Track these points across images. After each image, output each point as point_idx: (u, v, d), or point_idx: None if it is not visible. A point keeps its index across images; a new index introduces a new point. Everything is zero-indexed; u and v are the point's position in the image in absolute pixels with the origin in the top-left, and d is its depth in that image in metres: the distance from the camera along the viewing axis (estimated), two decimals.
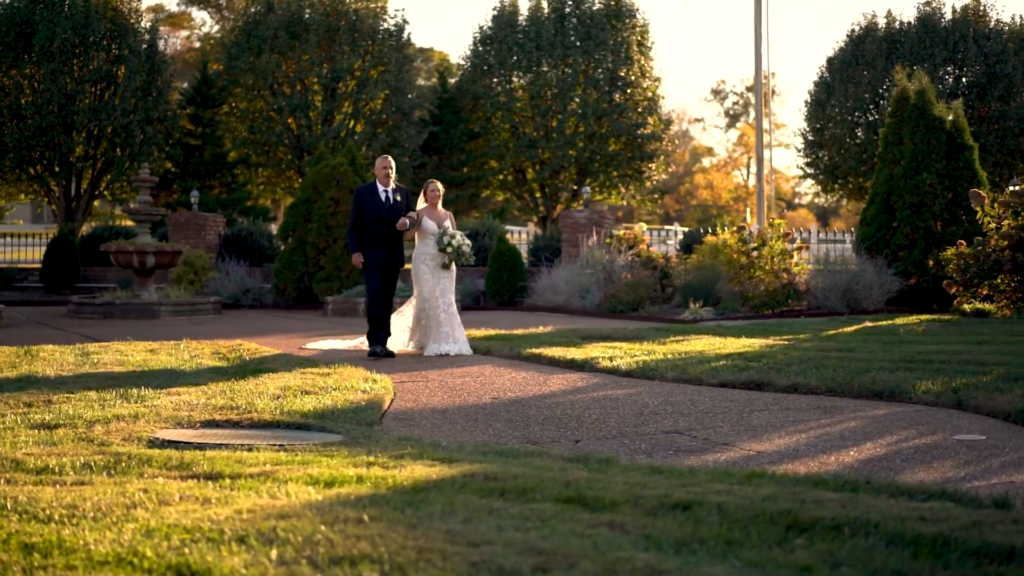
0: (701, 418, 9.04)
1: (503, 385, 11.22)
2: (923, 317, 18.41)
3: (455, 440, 7.99)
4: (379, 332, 13.90)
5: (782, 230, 21.54)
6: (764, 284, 20.84)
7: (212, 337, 16.74)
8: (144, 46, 36.42)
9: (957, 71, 38.00)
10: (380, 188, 14.04)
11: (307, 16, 37.24)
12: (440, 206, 14.60)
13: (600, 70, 38.97)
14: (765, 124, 31.19)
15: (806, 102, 41.90)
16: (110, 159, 35.60)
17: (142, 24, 36.88)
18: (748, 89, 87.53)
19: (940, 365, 11.57)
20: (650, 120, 40.07)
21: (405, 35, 39.34)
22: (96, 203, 39.21)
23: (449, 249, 14.05)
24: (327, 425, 8.16)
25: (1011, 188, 19.26)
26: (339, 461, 6.53)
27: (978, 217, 19.37)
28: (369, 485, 5.67)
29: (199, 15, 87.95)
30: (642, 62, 40.53)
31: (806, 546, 4.48)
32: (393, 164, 14.19)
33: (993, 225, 19.14)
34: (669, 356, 12.94)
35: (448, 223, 14.38)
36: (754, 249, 21.17)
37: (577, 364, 12.49)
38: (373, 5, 38.68)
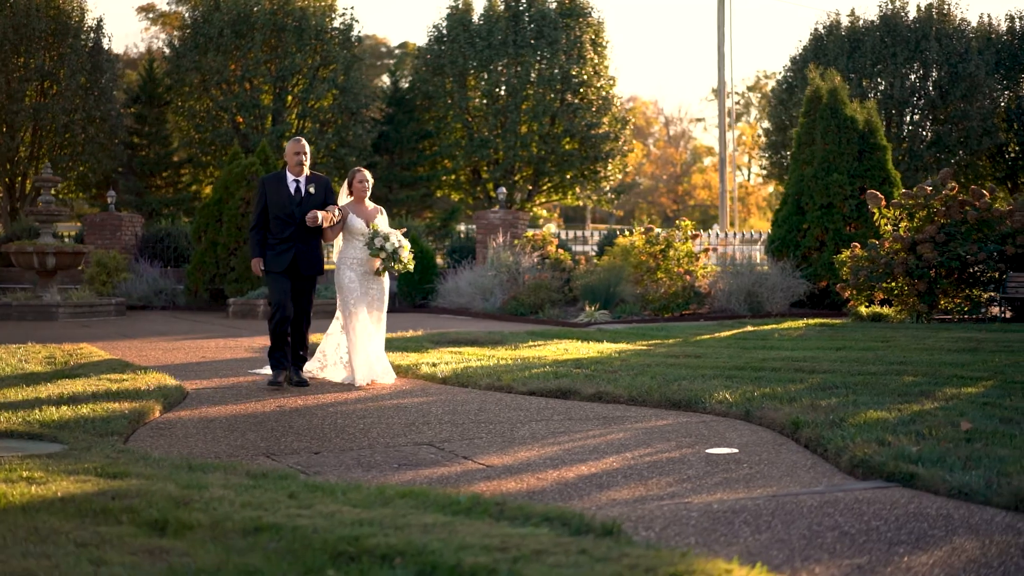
0: (470, 429, 8.81)
1: (299, 391, 10.96)
2: (813, 321, 18.12)
3: (187, 452, 7.77)
4: (280, 353, 11.31)
5: (689, 231, 21.23)
6: (665, 287, 20.53)
7: (95, 339, 16.49)
8: (88, 45, 36.09)
9: (920, 70, 37.64)
10: (290, 177, 11.33)
11: (254, 15, 36.89)
12: (369, 200, 11.83)
13: (553, 70, 38.62)
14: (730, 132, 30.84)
15: (769, 102, 41.60)
16: (53, 159, 35.25)
17: (86, 23, 36.50)
18: (749, 89, 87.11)
19: (769, 373, 11.36)
20: (604, 120, 39.70)
21: (354, 34, 38.98)
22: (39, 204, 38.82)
23: (383, 254, 11.32)
24: (60, 436, 7.89)
25: (918, 188, 18.89)
26: None
27: (875, 219, 19.06)
28: None
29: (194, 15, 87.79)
30: (596, 61, 40.19)
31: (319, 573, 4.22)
32: (307, 150, 11.49)
33: (889, 228, 18.84)
34: (505, 362, 12.67)
35: (381, 221, 11.62)
36: (661, 251, 20.86)
37: (401, 370, 12.21)
38: (321, 3, 38.34)
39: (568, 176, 40.14)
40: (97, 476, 6.26)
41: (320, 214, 11.21)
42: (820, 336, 15.55)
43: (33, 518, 5.11)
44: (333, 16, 38.74)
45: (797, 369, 11.56)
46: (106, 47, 37.26)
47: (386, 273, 11.60)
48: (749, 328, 17.16)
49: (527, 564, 4.34)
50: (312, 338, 12.60)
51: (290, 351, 11.44)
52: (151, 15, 69.00)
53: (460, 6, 39.94)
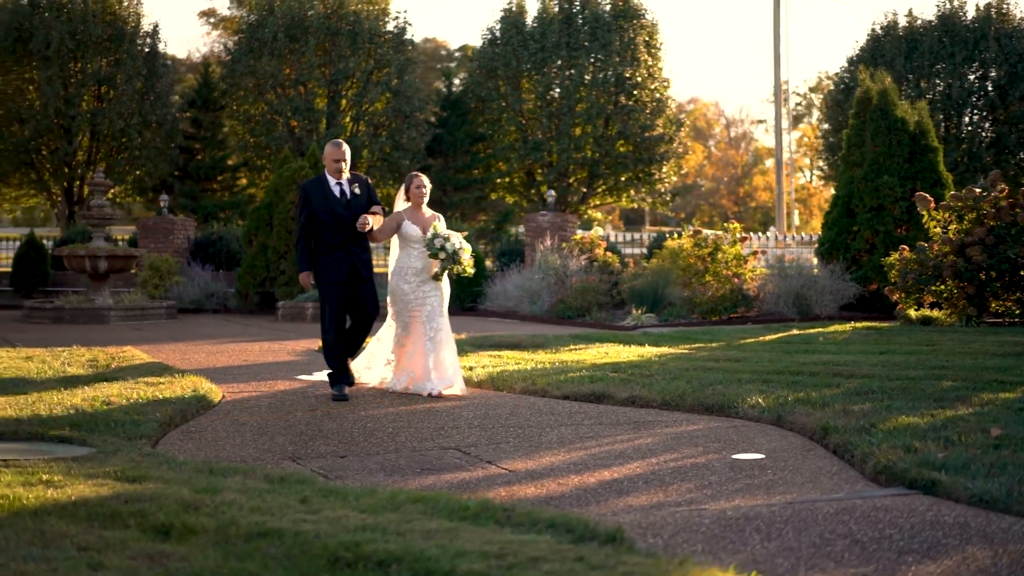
0: (498, 433, 8.82)
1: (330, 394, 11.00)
2: (860, 325, 17.93)
3: (214, 456, 7.82)
4: (339, 367, 10.97)
5: (738, 234, 21.10)
6: (712, 290, 20.43)
7: (143, 342, 16.67)
8: (144, 50, 36.47)
9: (979, 71, 37.16)
10: (332, 181, 10.91)
11: (307, 19, 37.09)
12: (427, 207, 11.41)
13: (607, 72, 38.51)
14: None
15: (826, 103, 41.29)
16: (110, 163, 35.68)
17: (142, 28, 36.88)
18: (811, 90, 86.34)
19: (806, 377, 11.25)
20: (659, 122, 39.53)
21: (407, 37, 39.10)
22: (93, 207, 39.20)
23: (443, 255, 10.88)
24: (89, 439, 7.97)
25: (967, 190, 18.66)
26: (19, 478, 6.35)
27: (924, 221, 18.86)
28: None
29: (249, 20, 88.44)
30: (650, 63, 40.03)
31: None
32: (348, 156, 11.07)
33: (939, 230, 18.62)
34: (542, 366, 12.66)
35: (439, 227, 11.15)
36: (709, 254, 20.76)
37: None
38: (373, 7, 38.46)
39: (622, 178, 40.01)
40: (115, 480, 6.31)
41: (370, 219, 10.77)
42: (865, 340, 15.40)
43: (42, 522, 5.16)
44: (386, 19, 38.84)
45: (835, 374, 11.44)
46: (162, 52, 37.62)
47: (445, 278, 11.12)
48: (794, 332, 17.01)
49: (522, 571, 4.33)
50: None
51: (343, 366, 11.01)
52: (212, 20, 69.68)
53: (513, 8, 39.92)
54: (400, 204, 11.41)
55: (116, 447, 7.67)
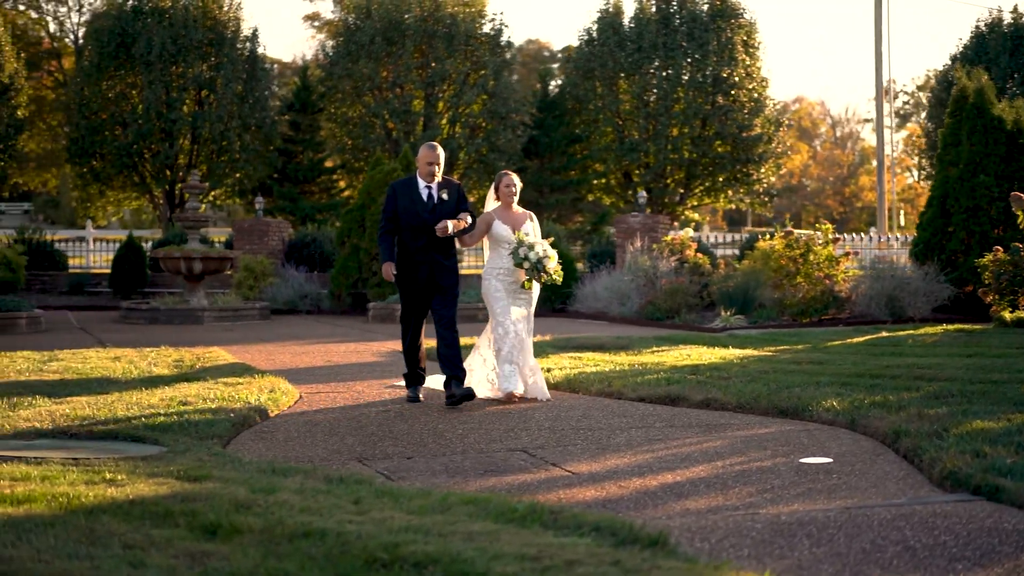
0: (567, 435, 8.82)
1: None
2: (952, 327, 17.60)
3: (283, 456, 7.91)
4: (415, 372, 10.89)
5: (830, 235, 20.85)
6: (803, 291, 20.20)
7: (232, 343, 16.91)
8: (244, 54, 37.01)
9: None
10: (422, 183, 10.61)
11: (405, 21, 37.33)
12: (517, 205, 11.13)
13: (704, 72, 38.27)
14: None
15: (930, 101, 40.65)
16: (210, 166, 36.30)
17: (242, 32, 37.42)
18: (919, 88, 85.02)
19: (887, 380, 11.10)
20: (756, 122, 39.19)
21: (504, 39, 39.22)
22: (202, 209, 39.88)
23: (526, 264, 10.60)
24: (162, 439, 8.11)
25: None
26: (83, 476, 6.48)
27: (1019, 221, 18.46)
28: (53, 505, 5.61)
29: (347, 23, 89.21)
30: (747, 63, 39.70)
31: None
32: (441, 159, 10.74)
33: None
34: (621, 367, 12.62)
35: (529, 228, 10.96)
36: (800, 255, 20.53)
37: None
38: (470, 9, 38.63)
39: (720, 179, 39.76)
40: (177, 479, 6.41)
41: (450, 223, 10.41)
42: (954, 343, 15.13)
43: (95, 520, 5.26)
44: (482, 22, 38.98)
45: (917, 377, 11.26)
46: (263, 55, 38.14)
47: (534, 284, 10.85)
48: (883, 334, 16.75)
49: (556, 574, 4.33)
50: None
51: (417, 370, 10.87)
52: (316, 23, 70.41)
53: (611, 9, 39.84)
54: (491, 204, 11.12)
55: (186, 447, 7.79)
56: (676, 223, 39.57)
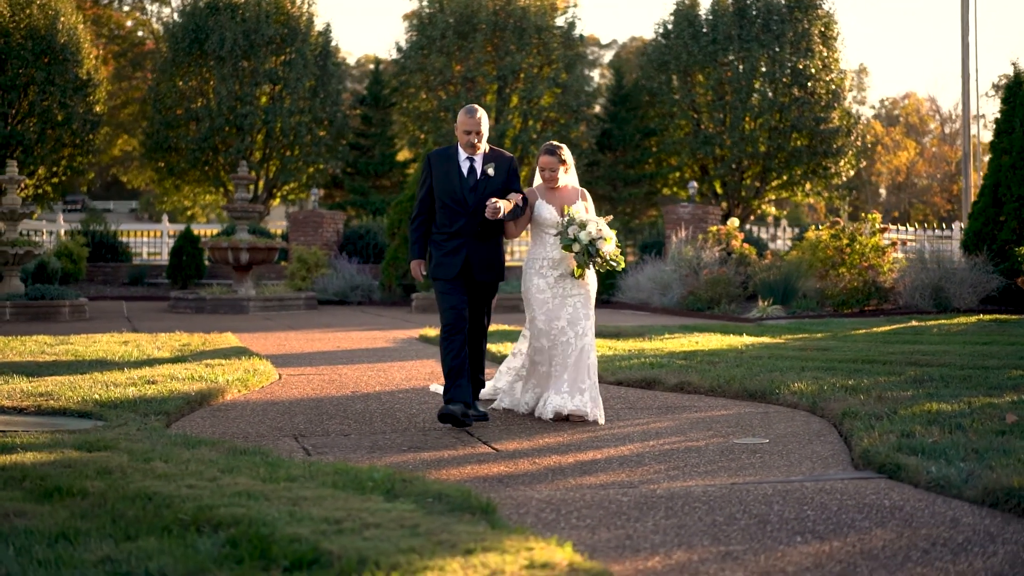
0: (519, 418, 8.85)
1: (391, 379, 11.06)
2: (988, 317, 17.21)
3: (221, 432, 7.94)
4: (457, 382, 8.34)
5: (876, 225, 20.47)
6: (845, 281, 19.84)
7: (257, 330, 17.02)
8: (317, 50, 37.29)
9: None
10: (462, 155, 8.69)
11: (476, 14, 37.39)
12: (569, 180, 8.98)
13: (783, 63, 37.79)
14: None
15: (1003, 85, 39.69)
16: (283, 160, 36.66)
17: (315, 28, 37.70)
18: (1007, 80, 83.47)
19: (878, 366, 10.90)
20: (834, 115, 38.60)
21: (576, 33, 39.11)
22: (275, 203, 40.33)
23: (576, 247, 8.50)
24: (107, 414, 8.17)
25: None
26: None
27: None
28: None
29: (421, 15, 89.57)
30: (825, 54, 39.12)
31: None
32: (484, 127, 8.69)
33: None
34: (617, 353, 12.49)
35: (581, 207, 8.81)
36: (847, 245, 20.19)
37: (499, 360, 12.05)
38: (542, 2, 38.55)
39: (797, 172, 39.20)
40: (76, 449, 6.44)
41: (501, 204, 8.36)
42: (979, 331, 14.76)
43: None
44: (555, 14, 38.89)
45: (911, 363, 11.03)
46: (335, 49, 38.39)
47: (591, 272, 8.79)
48: (912, 323, 16.39)
49: (346, 536, 4.31)
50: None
51: (467, 380, 8.44)
52: (415, 21, 70.68)
53: (687, 1, 39.50)
54: (537, 179, 9.02)
55: (124, 421, 7.84)
56: (752, 217, 39.22)
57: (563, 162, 8.78)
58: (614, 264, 8.68)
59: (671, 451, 7.23)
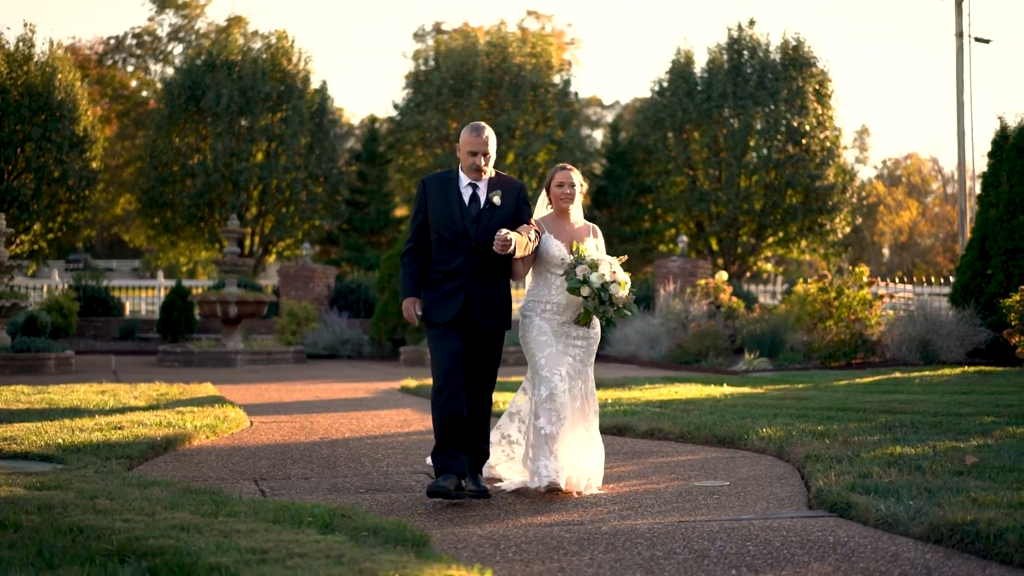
0: None
1: (363, 426, 11.02)
2: (972, 369, 17.10)
3: (181, 476, 7.89)
4: (448, 448, 7.05)
5: (864, 278, 20.46)
6: (832, 334, 19.81)
7: (241, 382, 16.98)
8: (313, 107, 37.47)
9: None
10: (463, 180, 7.42)
11: (472, 72, 37.63)
12: (578, 215, 7.80)
13: (779, 120, 37.92)
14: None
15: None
16: (278, 217, 36.75)
17: (311, 86, 37.90)
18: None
19: (851, 413, 10.86)
20: (829, 172, 38.71)
21: (571, 91, 39.36)
22: (270, 259, 40.36)
23: (586, 290, 7.31)
24: (69, 458, 8.14)
25: None
26: None
27: None
28: None
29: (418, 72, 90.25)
30: (820, 111, 39.29)
31: None
32: (492, 145, 7.41)
33: None
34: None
35: (592, 245, 7.66)
36: (833, 298, 20.18)
37: None
38: (537, 60, 38.80)
39: (793, 229, 39.25)
40: (29, 489, 6.40)
41: (513, 236, 7.04)
42: (961, 382, 14.68)
43: None
44: (551, 72, 39.14)
45: (884, 411, 10.97)
46: (331, 108, 38.58)
47: (595, 320, 7.62)
48: (896, 375, 16.32)
49: (268, 566, 4.27)
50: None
51: (464, 446, 7.15)
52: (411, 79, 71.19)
53: (682, 60, 39.72)
54: (541, 210, 7.82)
55: (85, 464, 7.82)
56: (748, 273, 39.23)
57: (581, 186, 7.73)
58: (627, 313, 7.53)
59: (628, 494, 7.20)
